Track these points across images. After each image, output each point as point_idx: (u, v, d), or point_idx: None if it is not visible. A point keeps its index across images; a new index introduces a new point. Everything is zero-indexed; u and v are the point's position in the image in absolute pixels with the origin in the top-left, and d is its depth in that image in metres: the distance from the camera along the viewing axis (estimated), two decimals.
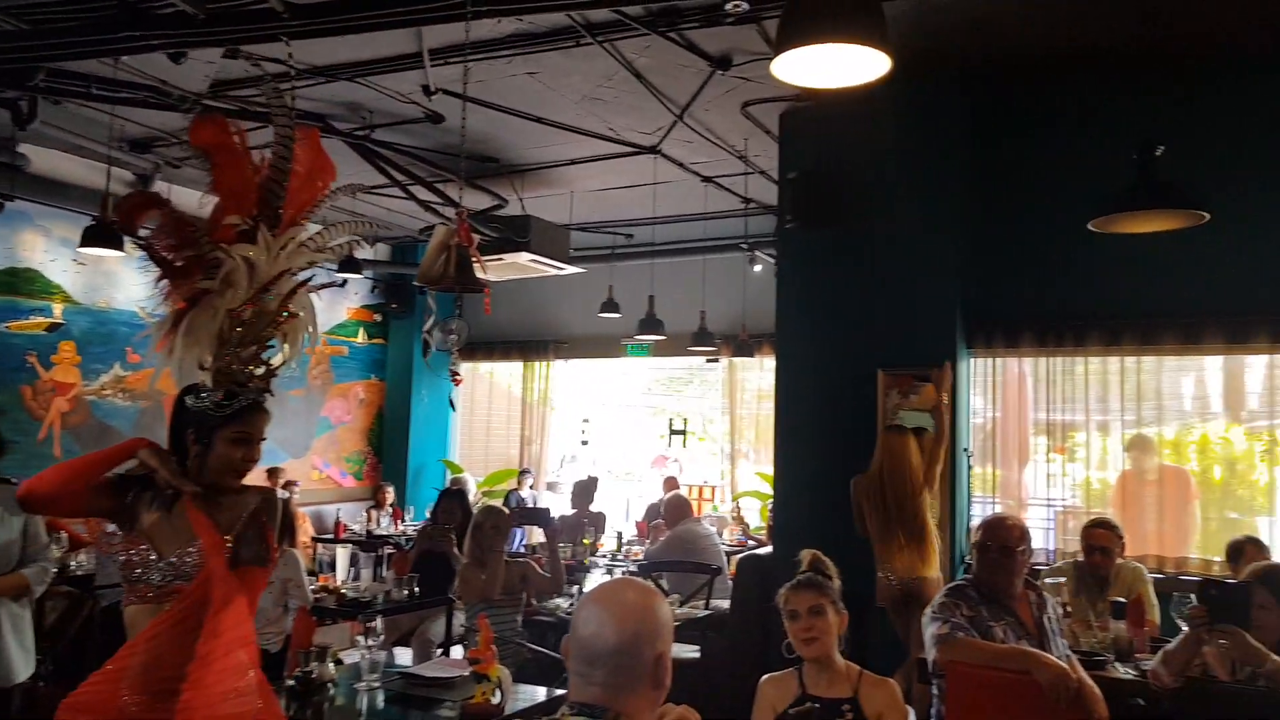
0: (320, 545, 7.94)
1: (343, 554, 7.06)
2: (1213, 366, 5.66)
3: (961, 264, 5.39)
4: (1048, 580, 4.31)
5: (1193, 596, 3.21)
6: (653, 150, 6.45)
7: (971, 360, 5.70)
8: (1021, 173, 5.45)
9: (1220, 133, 4.98)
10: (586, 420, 10.59)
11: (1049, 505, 5.82)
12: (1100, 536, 4.29)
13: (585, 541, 6.80)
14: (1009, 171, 5.46)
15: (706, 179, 6.99)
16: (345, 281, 8.32)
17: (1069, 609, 4.07)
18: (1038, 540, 5.77)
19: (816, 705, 2.70)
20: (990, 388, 5.77)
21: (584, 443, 10.56)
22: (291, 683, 3.04)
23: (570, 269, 7.13)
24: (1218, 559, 4.97)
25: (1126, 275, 5.18)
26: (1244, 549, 4.21)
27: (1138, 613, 3.91)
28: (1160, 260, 5.00)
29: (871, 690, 2.75)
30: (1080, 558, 4.41)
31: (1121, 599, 4.00)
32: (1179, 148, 4.12)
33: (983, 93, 5.36)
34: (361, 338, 9.55)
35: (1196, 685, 3.07)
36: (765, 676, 2.88)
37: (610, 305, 7.80)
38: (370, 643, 3.51)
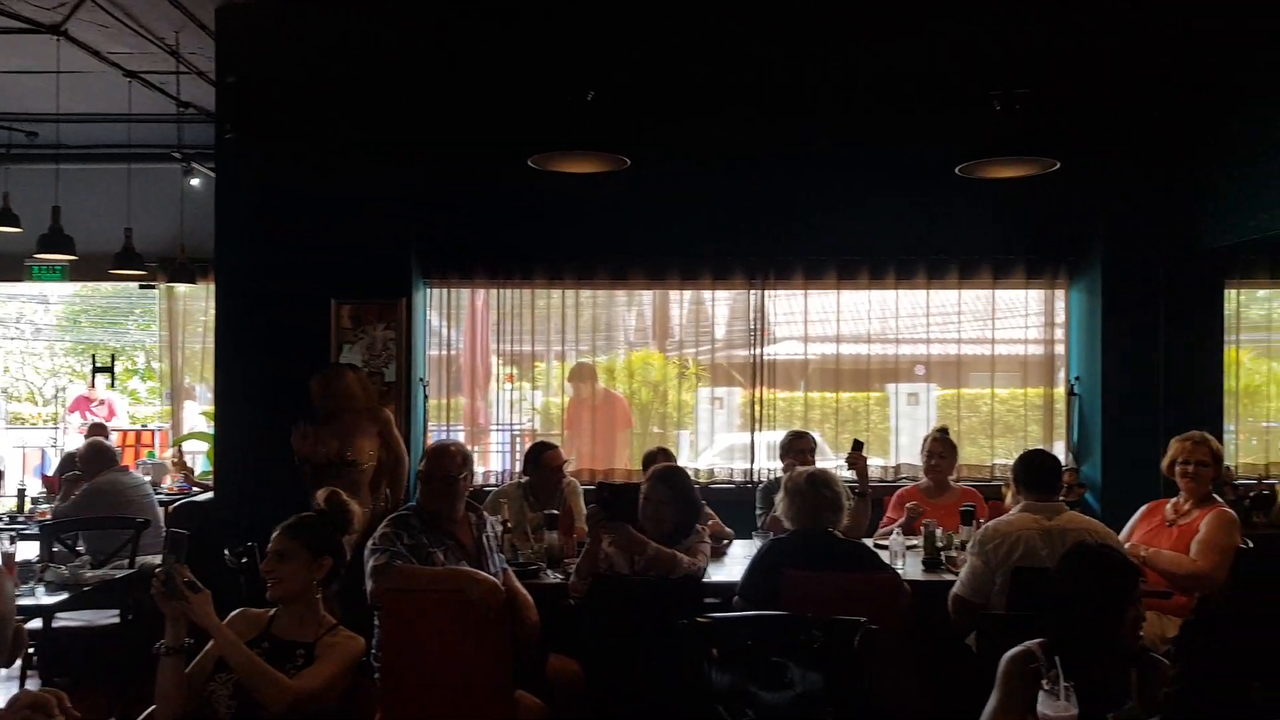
0: None
1: None
2: (649, 302, 6.37)
3: (418, 192, 5.33)
4: (501, 500, 4.53)
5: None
6: (55, 30, 5.35)
7: (428, 290, 5.72)
8: (471, 105, 5.51)
9: (646, 81, 5.49)
10: None
11: (508, 430, 6.13)
12: (552, 458, 4.61)
13: None
14: (461, 102, 5.49)
15: (130, 74, 6.02)
16: None
17: (510, 525, 4.29)
18: (496, 462, 6.07)
19: (267, 644, 2.60)
20: (450, 318, 5.88)
21: None
22: None
23: None
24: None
25: (567, 214, 5.57)
26: (655, 457, 4.81)
27: (567, 522, 4.28)
28: (596, 201, 5.45)
29: (332, 640, 2.66)
30: (525, 479, 4.69)
31: (555, 511, 4.32)
32: (613, 93, 4.45)
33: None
34: None
35: (603, 580, 3.42)
36: (241, 610, 2.71)
37: (7, 217, 6.40)
38: None
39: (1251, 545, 4.12)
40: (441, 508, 3.39)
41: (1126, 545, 4.24)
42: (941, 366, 6.09)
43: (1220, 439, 5.37)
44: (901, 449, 6.05)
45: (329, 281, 5.13)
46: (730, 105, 5.37)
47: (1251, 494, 5.51)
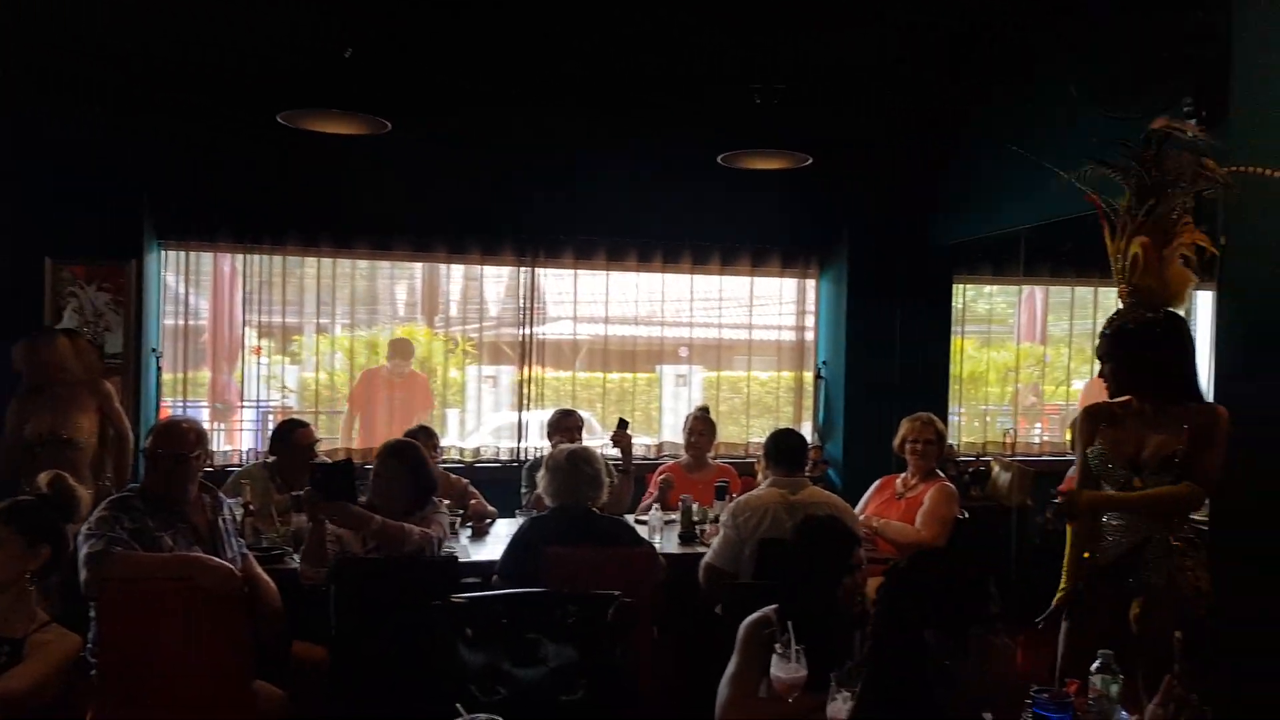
0: None
1: None
2: (420, 276, 6.14)
3: (152, 145, 4.85)
4: (244, 481, 4.23)
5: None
6: None
7: (163, 252, 5.23)
8: (215, 55, 5.06)
9: (410, 44, 5.28)
10: None
11: (259, 407, 5.75)
12: (303, 436, 4.36)
13: None
14: (203, 52, 5.01)
15: None
16: None
17: (252, 507, 4.02)
18: (247, 441, 5.67)
19: None
20: (191, 284, 5.41)
21: None
22: None
23: None
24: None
25: (323, 178, 5.23)
26: (416, 436, 4.66)
27: None
28: (355, 166, 5.18)
29: (43, 638, 2.47)
30: (271, 459, 4.41)
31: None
32: (373, 52, 4.24)
33: None
34: None
35: (346, 563, 3.27)
36: None
37: None
38: None
39: (968, 516, 4.56)
40: (170, 489, 3.11)
41: (861, 517, 4.58)
42: (705, 350, 6.30)
43: (945, 420, 5.92)
44: (667, 428, 6.22)
45: (44, 239, 4.58)
46: (500, 78, 5.27)
47: (970, 470, 6.09)
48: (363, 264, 5.72)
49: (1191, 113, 3.59)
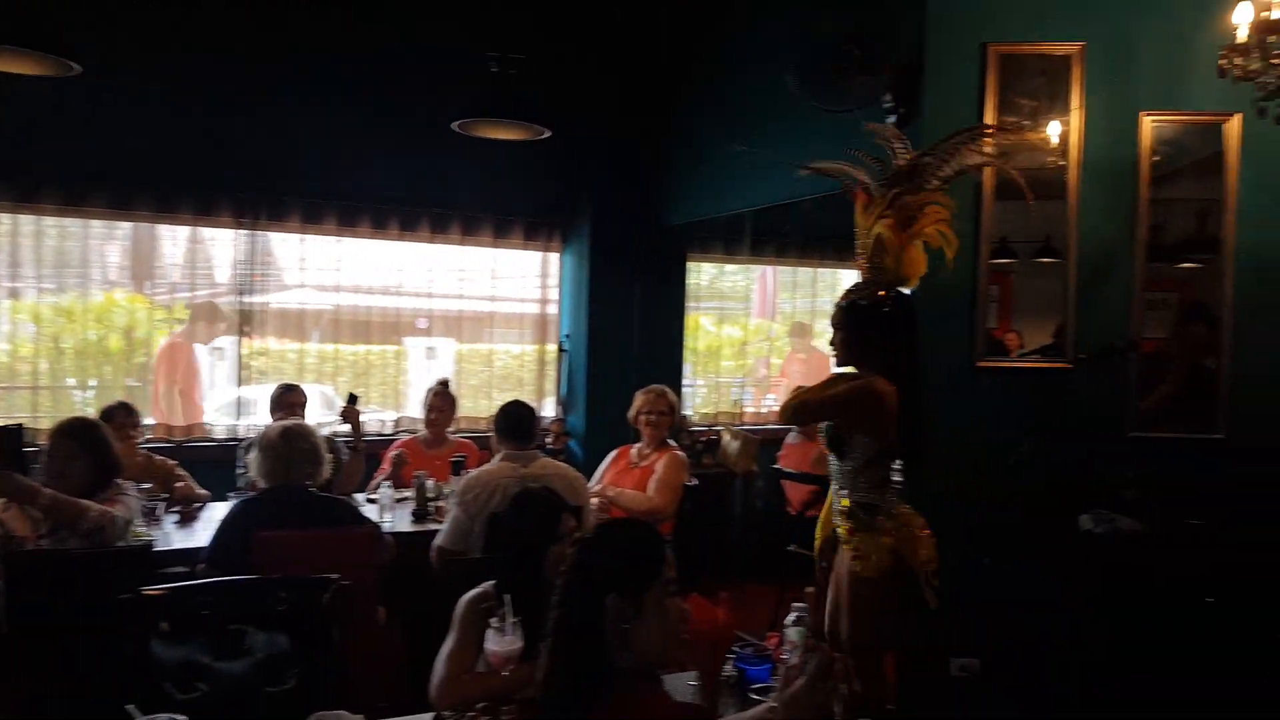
0: None
1: None
2: (136, 235, 5.51)
3: None
4: None
5: None
6: None
7: None
8: None
9: None
10: None
11: None
12: None
13: None
14: None
15: None
16: None
17: None
18: None
19: None
20: None
21: None
22: None
23: None
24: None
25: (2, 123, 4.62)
26: (114, 414, 4.23)
27: None
28: (38, 111, 4.60)
29: None
30: None
31: None
32: None
33: None
34: None
35: (9, 553, 2.93)
36: None
37: None
38: None
39: (697, 482, 4.77)
40: None
41: (598, 486, 4.67)
42: (448, 322, 6.16)
43: (680, 392, 6.16)
44: (413, 403, 6.03)
45: None
46: (212, 27, 4.86)
47: (703, 439, 6.39)
48: (69, 222, 5.08)
49: (891, 109, 3.91)
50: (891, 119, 3.90)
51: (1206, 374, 3.86)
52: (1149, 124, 3.79)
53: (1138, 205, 3.81)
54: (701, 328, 6.91)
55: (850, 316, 3.10)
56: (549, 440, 5.98)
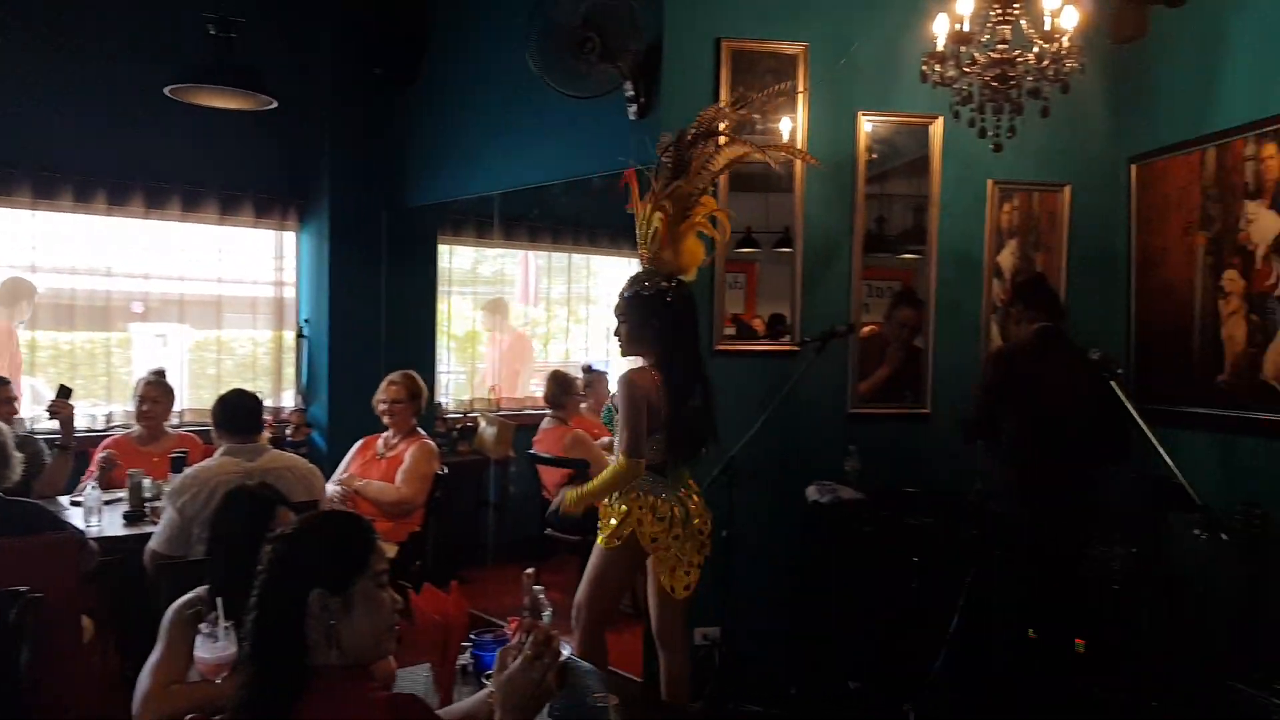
0: None
1: None
2: None
3: None
4: None
5: None
6: None
7: None
8: None
9: None
10: None
11: None
12: None
13: None
14: None
15: None
16: None
17: None
18: None
19: None
20: None
21: None
22: None
23: None
24: None
25: None
26: None
27: None
28: None
29: None
30: None
31: None
32: None
33: None
34: None
35: None
36: None
37: None
38: None
39: (447, 471, 4.66)
40: None
41: (344, 477, 4.47)
42: (172, 306, 5.63)
43: (433, 379, 6.01)
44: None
45: None
46: None
47: (459, 426, 6.27)
48: None
49: (632, 99, 3.98)
50: (632, 108, 3.98)
51: (916, 354, 4.24)
52: (866, 123, 4.10)
53: (855, 199, 4.11)
54: (460, 313, 6.77)
55: (634, 307, 3.16)
56: (289, 432, 5.65)
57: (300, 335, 5.89)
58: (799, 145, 3.96)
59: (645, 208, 3.22)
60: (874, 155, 4.17)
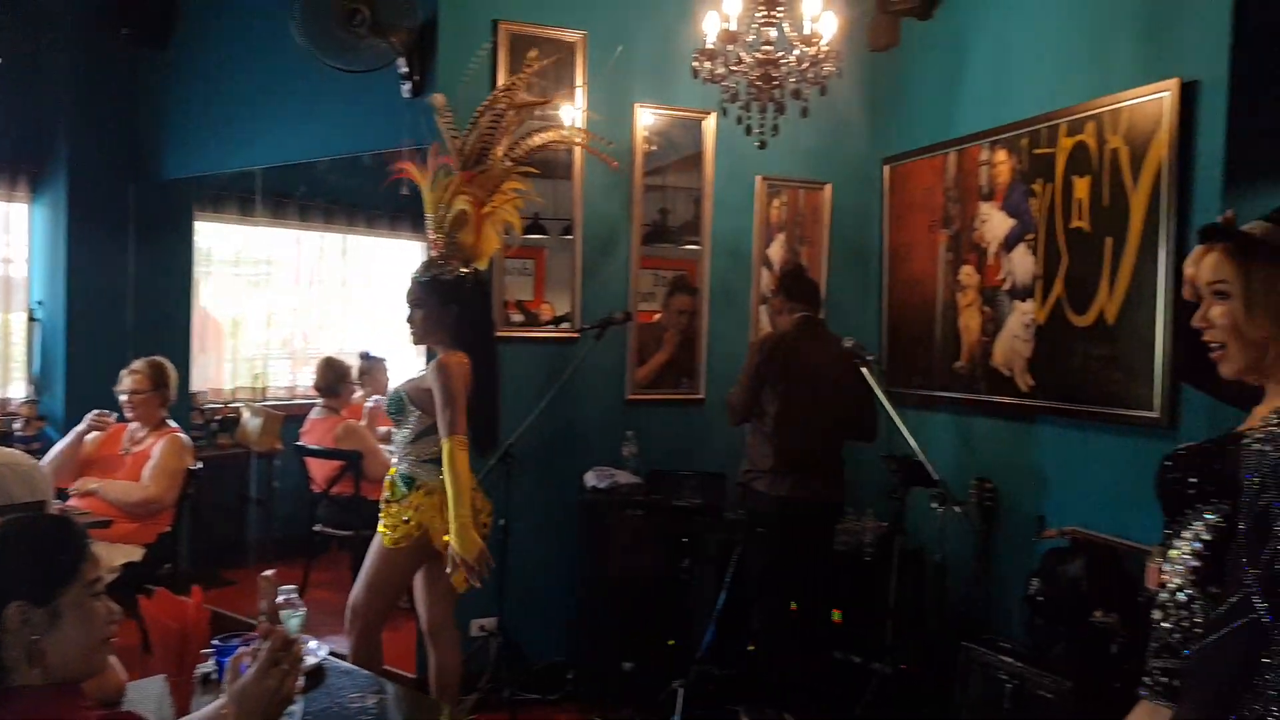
0: None
1: None
2: None
3: None
4: None
5: None
6: None
7: None
8: None
9: None
10: None
11: None
12: None
13: None
14: None
15: None
16: None
17: None
18: None
19: None
20: None
21: None
22: None
23: None
24: None
25: None
26: None
27: None
28: None
29: None
30: None
31: None
32: None
33: None
34: None
35: None
36: None
37: None
38: None
39: (202, 465, 4.33)
40: None
41: (78, 483, 4.05)
42: None
43: (188, 367, 5.56)
44: None
45: None
46: None
47: (219, 417, 5.85)
48: None
49: (406, 76, 3.84)
50: (407, 86, 3.84)
51: (693, 342, 4.36)
52: (643, 115, 4.16)
53: (634, 189, 4.17)
54: (223, 296, 6.29)
55: (431, 292, 3.03)
56: (19, 426, 5.06)
57: (32, 319, 5.28)
58: (579, 134, 3.97)
59: (443, 191, 3.12)
60: (653, 147, 4.24)
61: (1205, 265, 1.55)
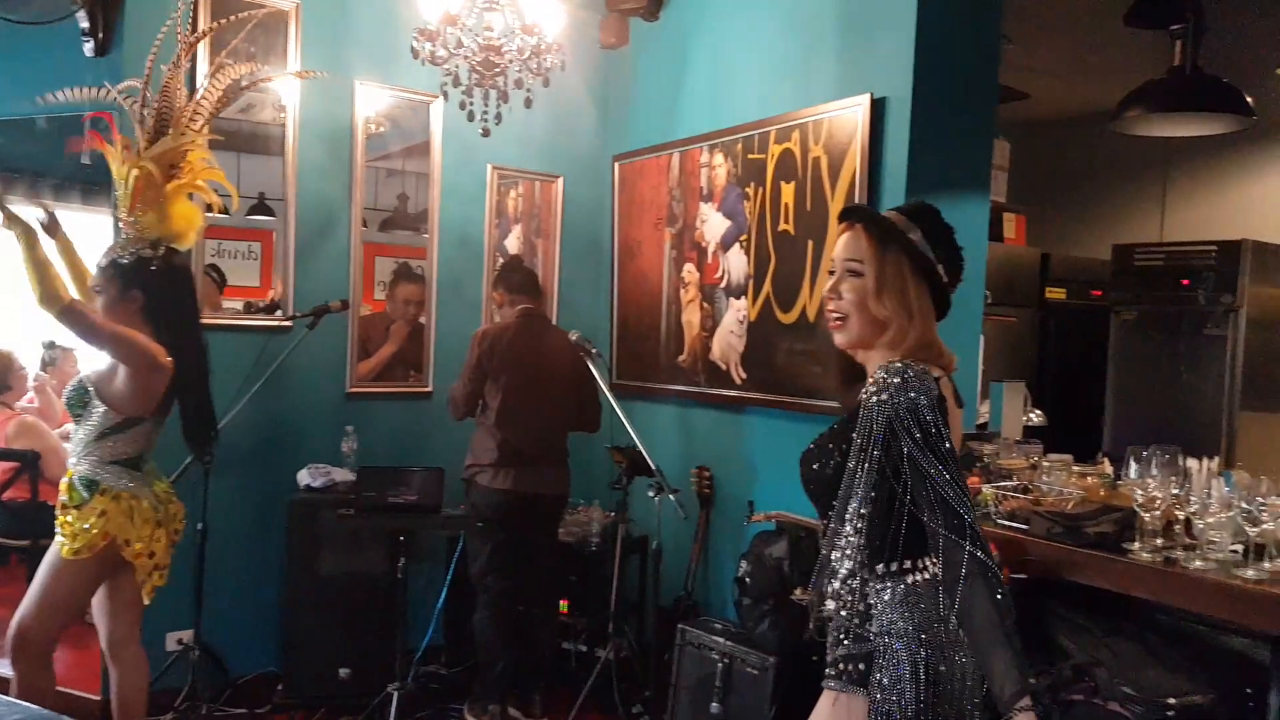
0: None
1: None
2: None
3: None
4: None
5: None
6: None
7: None
8: None
9: None
10: None
11: None
12: None
13: None
14: None
15: None
16: None
17: None
18: None
19: None
20: None
21: None
22: None
23: None
24: None
25: None
26: None
27: None
28: None
29: None
30: None
31: None
32: None
33: None
34: None
35: None
36: None
37: None
38: None
39: None
40: None
41: None
42: None
43: None
44: None
45: None
46: None
47: None
48: None
49: (88, 32, 3.44)
50: (89, 43, 3.44)
51: (421, 332, 4.22)
52: (364, 93, 3.96)
53: (354, 170, 3.97)
54: None
55: (110, 277, 2.72)
56: None
57: None
58: (293, 108, 3.72)
59: (122, 163, 2.81)
60: (380, 129, 4.06)
61: (842, 243, 1.68)
